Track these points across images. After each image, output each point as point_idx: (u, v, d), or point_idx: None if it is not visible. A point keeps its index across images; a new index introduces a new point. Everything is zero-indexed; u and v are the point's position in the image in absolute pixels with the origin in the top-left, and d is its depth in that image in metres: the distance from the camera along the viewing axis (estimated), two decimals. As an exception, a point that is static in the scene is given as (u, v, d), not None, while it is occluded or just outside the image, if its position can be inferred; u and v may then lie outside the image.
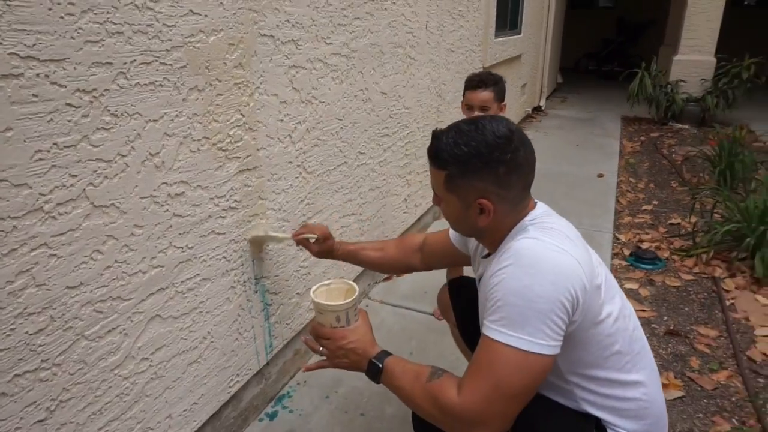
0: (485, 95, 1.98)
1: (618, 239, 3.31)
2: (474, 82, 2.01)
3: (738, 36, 7.53)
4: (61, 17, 0.99)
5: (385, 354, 1.19)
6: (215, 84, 1.38)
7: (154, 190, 1.25)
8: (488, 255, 1.26)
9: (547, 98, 7.28)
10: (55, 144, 1.01)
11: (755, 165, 4.03)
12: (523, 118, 6.15)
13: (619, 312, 1.12)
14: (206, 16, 1.32)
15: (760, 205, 2.93)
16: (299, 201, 1.85)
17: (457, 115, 3.62)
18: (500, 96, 2.02)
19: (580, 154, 4.97)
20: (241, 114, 1.50)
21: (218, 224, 1.48)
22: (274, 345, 1.83)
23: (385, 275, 2.73)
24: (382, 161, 2.48)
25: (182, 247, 1.36)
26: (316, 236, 1.53)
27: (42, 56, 0.96)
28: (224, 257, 1.52)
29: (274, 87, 1.63)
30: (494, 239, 1.16)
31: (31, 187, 0.98)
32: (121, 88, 1.13)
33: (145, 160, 1.22)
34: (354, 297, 1.26)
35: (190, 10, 1.27)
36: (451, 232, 1.46)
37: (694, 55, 6.34)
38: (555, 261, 0.99)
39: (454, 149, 1.04)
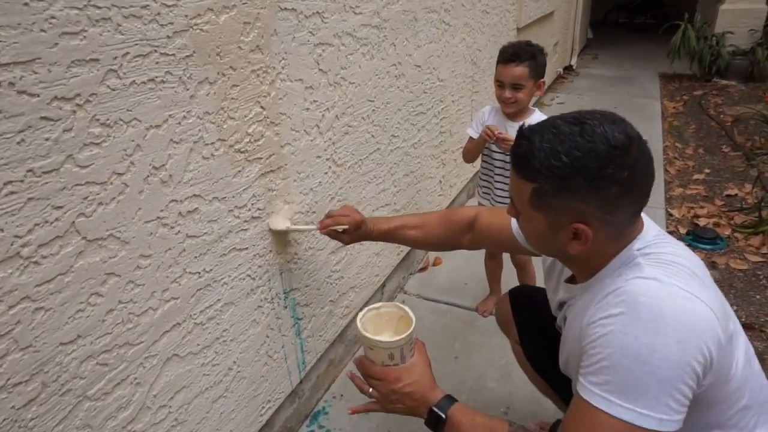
0: (519, 71, 1.72)
1: (671, 215, 3.03)
2: (507, 55, 1.74)
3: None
4: (25, 4, 0.75)
5: (449, 401, 0.99)
6: (229, 74, 1.14)
7: (162, 210, 1.03)
8: (573, 279, 1.03)
9: (578, 56, 6.83)
10: (30, 171, 0.78)
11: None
12: (554, 79, 5.75)
13: (744, 353, 0.89)
14: (214, -11, 1.06)
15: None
16: (329, 199, 1.62)
17: (491, 85, 3.31)
18: (537, 72, 1.76)
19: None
20: (261, 107, 1.25)
21: (240, 239, 1.26)
22: (307, 361, 1.64)
23: (421, 266, 2.52)
24: (416, 143, 2.22)
25: (199, 272, 1.15)
26: (346, 226, 1.30)
27: (2, 58, 0.73)
28: (248, 275, 1.31)
29: (299, 70, 1.37)
30: (587, 268, 0.93)
31: (2, 230, 0.76)
32: (113, 90, 0.89)
33: (148, 176, 0.99)
34: (410, 331, 1.04)
35: (194, -16, 1.01)
36: (514, 222, 1.21)
37: (743, 2, 5.81)
38: (683, 312, 0.76)
39: (550, 159, 0.79)
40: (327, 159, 1.57)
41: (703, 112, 4.88)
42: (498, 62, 1.77)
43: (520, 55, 1.70)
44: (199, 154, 1.10)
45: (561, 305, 1.08)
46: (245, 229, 1.27)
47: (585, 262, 0.91)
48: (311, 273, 1.58)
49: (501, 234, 1.26)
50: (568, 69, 6.43)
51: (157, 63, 0.97)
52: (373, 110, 1.81)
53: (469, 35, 2.67)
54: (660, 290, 0.78)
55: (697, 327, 0.75)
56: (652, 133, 4.28)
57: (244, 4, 1.14)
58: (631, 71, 6.53)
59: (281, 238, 1.41)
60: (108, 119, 0.89)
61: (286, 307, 1.49)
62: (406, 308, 1.15)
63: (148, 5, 0.93)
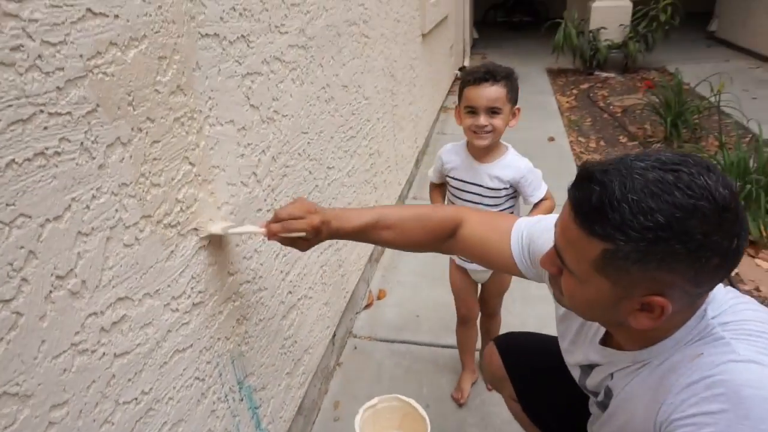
0: (495, 91, 1.42)
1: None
2: (479, 74, 1.43)
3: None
4: None
5: None
6: (147, 127, 0.85)
7: (77, 333, 0.73)
8: (610, 341, 0.87)
9: (469, 57, 6.98)
10: None
11: (700, 112, 3.97)
12: (453, 81, 5.80)
13: None
14: (117, 16, 0.77)
15: (737, 160, 2.79)
16: (274, 257, 1.36)
17: (407, 95, 3.18)
18: (514, 95, 1.48)
19: (521, 116, 4.71)
20: (190, 163, 0.97)
21: (182, 337, 0.96)
22: (270, 452, 1.36)
23: (366, 302, 2.30)
24: (350, 170, 2.01)
25: (136, 398, 0.85)
26: (302, 233, 0.97)
27: None
28: (196, 378, 1.02)
29: (228, 110, 1.10)
30: (643, 337, 0.77)
31: None
32: (-19, 179, 0.58)
33: (51, 292, 0.68)
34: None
35: (88, 10, 0.72)
36: (515, 247, 1.00)
37: (611, 0, 6.26)
38: None
39: (639, 217, 0.61)
40: (268, 210, 1.31)
41: (594, 104, 5.16)
42: (465, 85, 1.46)
43: (495, 73, 1.42)
44: (120, 243, 0.80)
45: (590, 367, 0.92)
46: (186, 323, 0.98)
47: (642, 330, 0.75)
48: (264, 349, 1.31)
49: (488, 251, 1.05)
50: (462, 70, 6.55)
51: (45, 128, 0.67)
52: (308, 143, 1.56)
53: (386, 46, 2.50)
54: (764, 377, 0.63)
55: None
56: (557, 130, 4.42)
57: (156, 33, 0.86)
58: (520, 68, 6.70)
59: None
60: (-22, 225, 0.58)
61: (242, 400, 1.20)
62: (411, 401, 0.94)
63: (21, 45, 0.63)
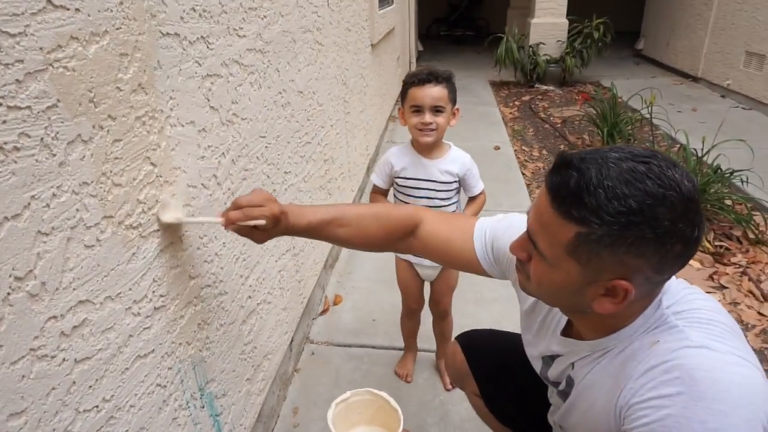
0: (438, 91, 1.52)
1: (540, 217, 3.21)
2: (422, 76, 1.53)
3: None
4: None
5: None
6: (108, 125, 0.82)
7: (36, 337, 0.69)
8: (571, 331, 0.92)
9: (416, 68, 7.12)
10: None
11: (633, 123, 4.22)
12: (401, 91, 5.89)
13: None
14: (78, 10, 0.75)
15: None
16: (234, 260, 1.33)
17: (358, 103, 3.21)
18: (454, 96, 1.58)
19: (467, 126, 4.84)
20: (152, 163, 0.95)
21: (143, 342, 0.93)
22: (231, 461, 1.33)
23: (322, 308, 2.29)
24: (306, 176, 2.00)
25: (96, 406, 0.81)
26: (262, 222, 0.94)
27: None
28: (158, 384, 0.99)
29: (189, 111, 1.08)
30: (603, 325, 0.81)
31: None
32: (-62, 173, 0.55)
33: (9, 294, 0.65)
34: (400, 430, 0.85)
35: (48, 1, 0.70)
36: (479, 245, 1.03)
37: (548, 17, 6.56)
38: (744, 385, 0.67)
39: (613, 201, 0.65)
40: (228, 213, 1.29)
41: (535, 115, 5.38)
42: (410, 86, 1.55)
43: (437, 75, 1.52)
44: (80, 243, 0.77)
45: (551, 358, 0.96)
46: (148, 327, 0.95)
47: (602, 318, 0.79)
48: (225, 354, 1.28)
49: (450, 250, 1.07)
50: (409, 81, 6.66)
51: (3, 122, 0.64)
52: (266, 147, 1.55)
53: (338, 54, 2.52)
54: (715, 361, 0.68)
55: (759, 397, 0.66)
56: (501, 138, 4.58)
57: (117, 29, 0.84)
58: (464, 80, 6.98)
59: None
60: (-66, 221, 0.55)
61: (203, 407, 1.17)
62: (383, 394, 0.95)
63: (-21, 36, 0.60)
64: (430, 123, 1.53)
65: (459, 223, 1.11)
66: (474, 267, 1.06)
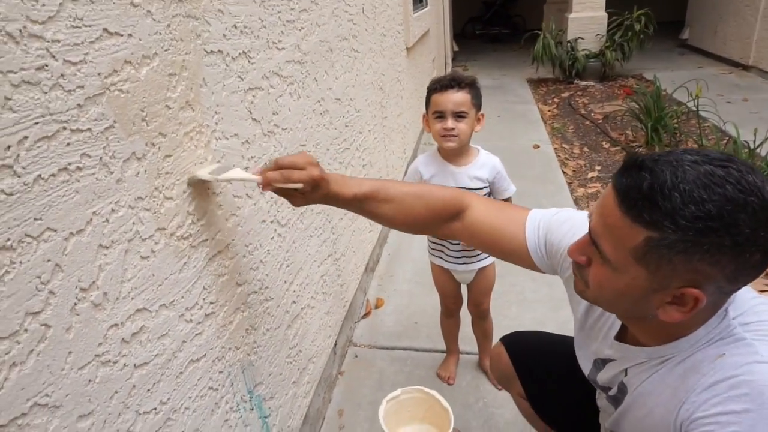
0: (461, 96, 1.49)
1: (582, 216, 3.15)
2: (445, 81, 1.51)
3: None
4: None
5: None
6: (160, 142, 0.87)
7: (100, 344, 0.74)
8: (626, 336, 0.89)
9: (452, 69, 7.09)
10: None
11: (678, 116, 4.08)
12: (436, 94, 5.89)
13: None
14: (130, 35, 0.80)
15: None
16: (278, 267, 1.38)
17: (395, 107, 3.23)
18: (478, 101, 1.55)
19: (505, 125, 4.79)
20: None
21: (195, 347, 0.98)
22: (279, 462, 1.37)
23: (364, 311, 2.31)
24: (345, 181, 2.03)
25: (155, 408, 0.86)
26: (300, 185, 0.91)
27: None
28: (210, 387, 1.03)
29: (233, 124, 1.13)
30: (662, 333, 0.78)
31: None
32: (9, 195, 0.60)
33: (76, 304, 0.70)
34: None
35: (105, 29, 0.75)
36: (531, 237, 0.99)
37: (586, 11, 6.42)
38: None
39: (690, 206, 0.62)
40: (272, 221, 1.33)
41: (575, 112, 5.26)
42: (432, 92, 1.53)
43: (459, 81, 1.52)
44: (137, 255, 0.82)
45: (603, 362, 0.94)
46: (200, 333, 0.99)
47: (663, 325, 0.76)
48: (272, 358, 1.32)
49: (500, 239, 1.03)
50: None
51: (68, 144, 0.69)
52: (306, 155, 1.59)
53: (374, 60, 2.55)
54: None
55: None
56: (541, 137, 4.51)
57: (166, 51, 0.89)
58: (502, 79, 6.92)
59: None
60: (8, 239, 0.60)
61: (252, 409, 1.21)
62: (434, 393, 0.96)
63: (45, 65, 0.65)
64: (452, 129, 1.51)
65: (510, 212, 1.06)
66: (523, 259, 1.03)
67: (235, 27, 1.14)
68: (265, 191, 0.94)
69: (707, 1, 7.17)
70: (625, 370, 0.87)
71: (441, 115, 1.53)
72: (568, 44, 6.36)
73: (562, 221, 0.97)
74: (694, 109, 3.72)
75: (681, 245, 0.64)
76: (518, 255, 1.02)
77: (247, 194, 1.19)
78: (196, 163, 0.98)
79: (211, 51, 1.04)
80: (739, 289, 0.70)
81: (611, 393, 0.92)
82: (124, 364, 0.79)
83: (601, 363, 0.95)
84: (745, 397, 0.65)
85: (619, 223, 0.68)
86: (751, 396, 0.64)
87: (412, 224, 1.07)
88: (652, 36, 6.16)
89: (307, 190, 0.93)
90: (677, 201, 0.62)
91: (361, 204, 1.01)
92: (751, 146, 3.01)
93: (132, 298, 0.81)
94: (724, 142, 3.67)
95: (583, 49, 6.29)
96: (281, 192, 0.94)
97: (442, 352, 2.01)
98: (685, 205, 0.62)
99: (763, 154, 2.96)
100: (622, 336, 0.89)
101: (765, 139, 2.94)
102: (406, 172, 3.58)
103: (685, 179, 0.63)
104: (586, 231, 0.78)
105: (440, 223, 1.06)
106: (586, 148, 4.29)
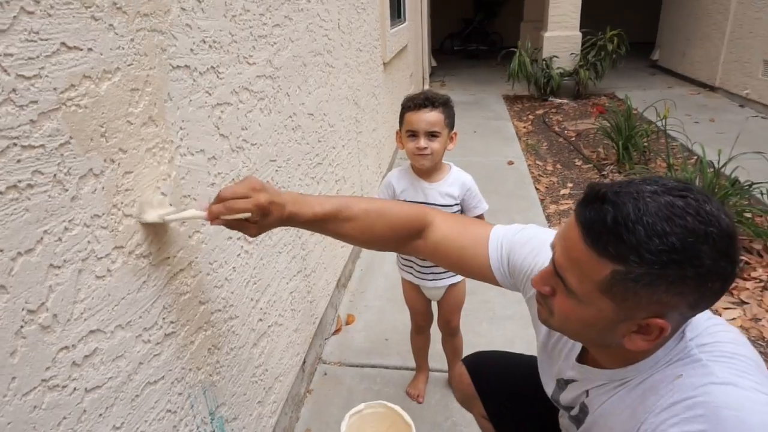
0: (434, 116, 1.50)
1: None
2: (418, 100, 1.52)
3: (597, 8, 7.92)
4: None
5: None
6: (120, 158, 0.85)
7: (48, 368, 0.71)
8: (586, 358, 0.90)
9: (429, 84, 7.16)
10: None
11: (648, 135, 4.18)
12: (414, 108, 5.92)
13: None
14: (90, 49, 0.78)
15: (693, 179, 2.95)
16: (244, 284, 1.35)
17: (370, 122, 3.24)
18: (451, 121, 1.57)
19: (480, 140, 4.85)
20: (162, 193, 0.97)
21: (153, 368, 0.95)
22: (242, 485, 1.33)
23: (334, 327, 2.29)
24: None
25: (107, 434, 0.83)
26: (247, 214, 0.86)
27: None
28: (168, 410, 1.00)
29: (199, 140, 1.11)
30: (622, 356, 0.79)
31: None
32: (-46, 214, 0.58)
33: (22, 327, 0.67)
34: None
35: (63, 44, 0.73)
36: (494, 255, 0.99)
37: (562, 30, 6.57)
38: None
39: (653, 239, 0.62)
40: (238, 238, 1.31)
41: (549, 129, 5.36)
42: (406, 111, 1.56)
43: (433, 100, 1.52)
44: (92, 275, 0.79)
45: (566, 382, 0.95)
46: (158, 354, 0.97)
47: (625, 351, 0.76)
48: (235, 378, 1.29)
49: (463, 258, 1.02)
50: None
51: (18, 161, 0.67)
52: (277, 170, 1.58)
53: (349, 75, 2.56)
54: (741, 399, 0.66)
55: None
56: (515, 153, 4.57)
57: (129, 66, 0.87)
58: (478, 95, 7.02)
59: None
60: (-50, 260, 0.58)
61: (213, 431, 1.18)
62: (397, 408, 0.95)
63: (-4, 80, 0.63)
64: (425, 148, 1.52)
65: (473, 230, 1.05)
66: (486, 277, 1.03)
67: (204, 42, 1.12)
68: (214, 224, 0.88)
69: (676, 23, 7.41)
70: (587, 391, 0.87)
71: (414, 134, 1.54)
72: (544, 62, 6.50)
73: (525, 241, 0.98)
74: (663, 128, 3.82)
75: (647, 278, 0.64)
76: (482, 273, 1.02)
77: (212, 210, 1.17)
78: (159, 180, 0.96)
79: (178, 66, 1.03)
80: (698, 313, 0.72)
81: (573, 413, 0.93)
82: (74, 388, 0.76)
83: (563, 383, 0.95)
84: (701, 417, 0.66)
85: (584, 257, 0.68)
86: (707, 417, 0.65)
87: (375, 242, 1.06)
88: (624, 56, 6.34)
89: (256, 218, 0.87)
90: (641, 234, 0.63)
91: (323, 224, 0.97)
92: (716, 166, 3.10)
93: (85, 320, 0.78)
94: (692, 161, 3.77)
95: (558, 68, 6.43)
96: (232, 225, 0.89)
97: (413, 369, 1.99)
98: (649, 238, 0.63)
99: (727, 173, 3.05)
100: (583, 357, 0.90)
101: (729, 158, 3.03)
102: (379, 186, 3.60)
103: (648, 211, 0.63)
104: (549, 254, 0.78)
105: (402, 241, 1.05)
106: (559, 165, 4.36)
